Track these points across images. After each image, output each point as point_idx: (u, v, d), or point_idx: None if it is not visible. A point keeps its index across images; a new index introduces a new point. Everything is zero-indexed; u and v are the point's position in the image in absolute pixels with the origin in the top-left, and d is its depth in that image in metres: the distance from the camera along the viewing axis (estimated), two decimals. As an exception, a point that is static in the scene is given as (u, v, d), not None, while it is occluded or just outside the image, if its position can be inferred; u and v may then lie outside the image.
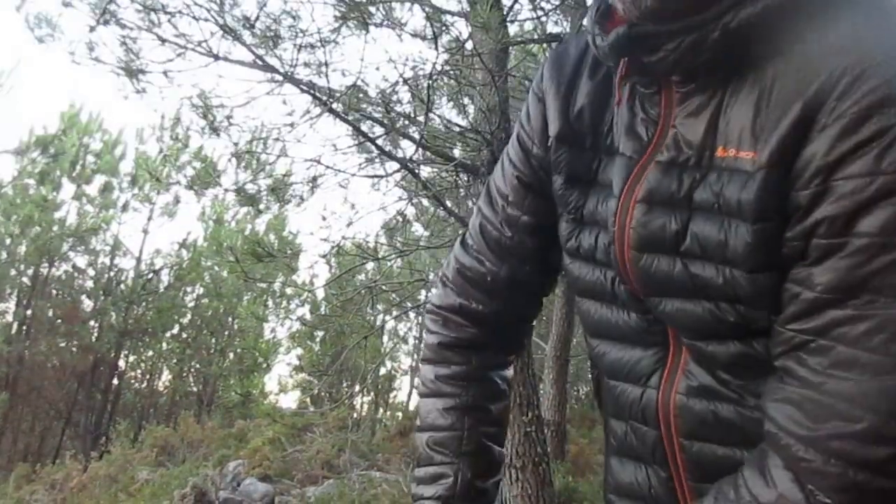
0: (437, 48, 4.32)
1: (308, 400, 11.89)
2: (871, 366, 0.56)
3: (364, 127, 4.45)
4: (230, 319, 16.17)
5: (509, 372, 1.05)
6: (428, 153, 4.78)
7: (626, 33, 0.68)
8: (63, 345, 14.11)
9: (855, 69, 0.56)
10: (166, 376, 16.57)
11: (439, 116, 5.11)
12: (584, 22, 0.77)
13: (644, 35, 0.67)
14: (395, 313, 7.96)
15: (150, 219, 14.77)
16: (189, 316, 16.02)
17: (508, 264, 0.94)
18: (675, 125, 0.70)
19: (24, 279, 14.14)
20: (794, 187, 0.59)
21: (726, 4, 0.63)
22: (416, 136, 4.51)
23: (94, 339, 14.05)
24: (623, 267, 0.75)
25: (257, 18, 3.81)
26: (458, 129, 5.02)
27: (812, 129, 0.58)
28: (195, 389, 16.30)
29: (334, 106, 3.94)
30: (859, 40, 0.59)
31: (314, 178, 4.67)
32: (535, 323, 1.15)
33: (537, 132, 0.88)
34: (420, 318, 13.73)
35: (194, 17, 3.76)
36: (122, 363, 15.39)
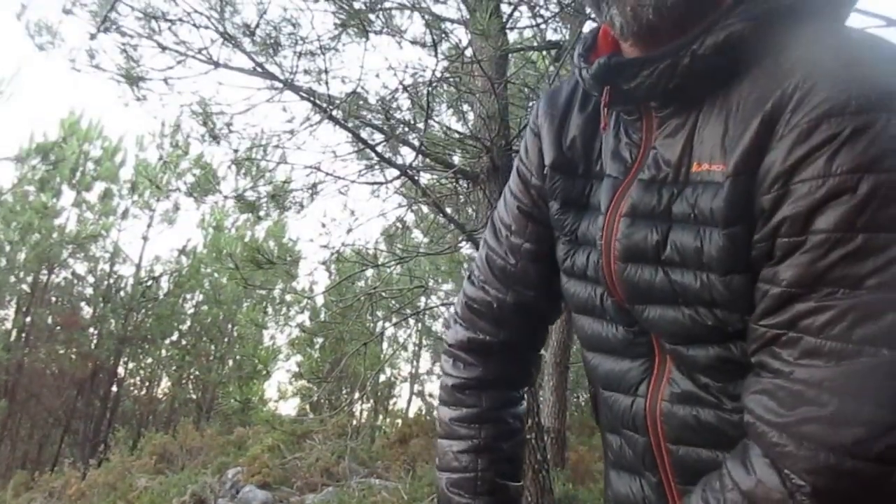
0: (436, 55, 4.33)
1: (307, 407, 11.86)
2: (835, 353, 0.59)
3: (364, 134, 4.46)
4: (229, 326, 16.15)
5: (522, 407, 1.09)
6: (427, 160, 4.79)
7: (606, 62, 0.76)
8: (62, 352, 14.09)
9: (806, 84, 0.63)
10: (165, 383, 16.56)
11: (439, 123, 5.13)
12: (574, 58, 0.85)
13: (622, 64, 0.75)
14: (394, 320, 7.95)
15: (149, 226, 14.80)
16: (188, 323, 16.00)
17: (513, 291, 1.01)
18: (655, 146, 0.77)
19: (24, 286, 14.13)
20: (759, 193, 0.64)
21: (695, 33, 0.70)
22: (416, 142, 4.52)
23: (93, 346, 14.02)
24: (609, 279, 0.81)
25: (257, 26, 3.82)
26: (457, 135, 5.03)
27: (771, 140, 0.64)
28: (194, 396, 16.27)
29: (334, 113, 3.94)
30: (810, 59, 0.65)
31: (314, 185, 4.68)
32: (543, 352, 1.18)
33: (534, 164, 0.96)
34: (420, 324, 13.73)
35: (195, 25, 3.77)
36: (121, 370, 15.37)
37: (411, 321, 13.28)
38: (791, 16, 0.68)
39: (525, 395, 1.12)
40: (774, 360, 0.64)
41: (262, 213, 4.71)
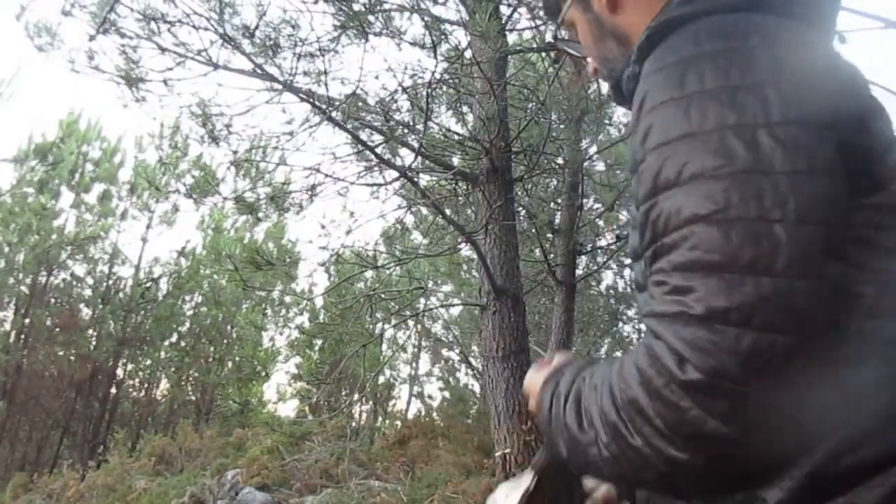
0: (436, 57, 4.33)
1: (307, 408, 11.85)
2: (677, 242, 0.74)
3: (363, 135, 4.47)
4: (229, 328, 16.15)
5: None
6: (427, 161, 4.79)
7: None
8: (61, 353, 14.07)
9: (644, 91, 0.84)
10: (164, 385, 16.54)
11: (438, 125, 5.13)
12: None
13: (614, 81, 1.07)
14: (394, 321, 7.95)
15: (148, 227, 14.79)
16: (187, 324, 15.99)
17: None
18: None
19: (23, 288, 14.12)
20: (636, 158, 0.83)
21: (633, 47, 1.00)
22: (415, 144, 4.52)
23: (92, 347, 14.01)
24: None
25: (257, 27, 3.83)
26: (456, 137, 5.03)
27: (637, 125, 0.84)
28: (193, 398, 16.25)
29: (333, 114, 3.95)
30: (656, 71, 0.83)
31: (313, 187, 4.68)
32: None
33: None
34: (419, 325, 13.72)
35: (194, 27, 3.77)
36: (120, 372, 15.35)
37: (411, 322, 13.27)
38: (674, 26, 0.87)
39: None
40: (653, 272, 0.77)
41: (261, 215, 4.71)
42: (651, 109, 0.79)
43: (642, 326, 0.98)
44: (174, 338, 15.83)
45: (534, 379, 0.98)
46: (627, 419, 0.73)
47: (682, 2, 0.88)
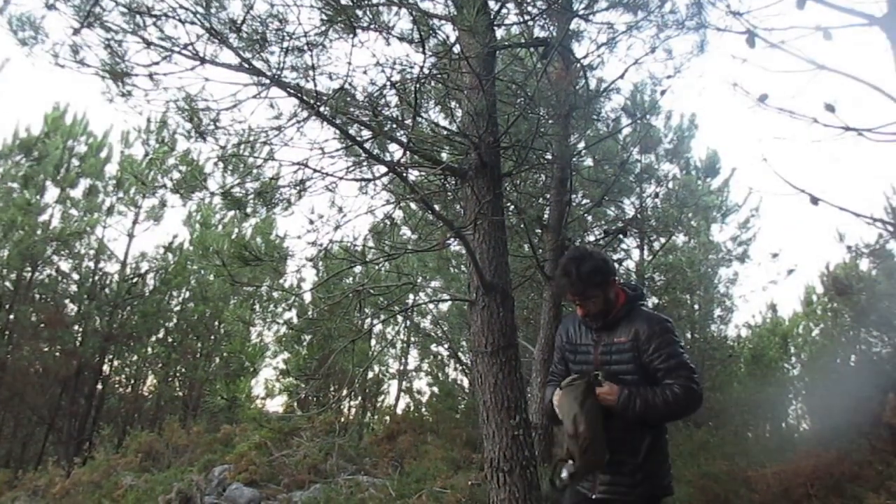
0: (424, 52, 4.32)
1: (295, 404, 11.84)
2: (672, 367, 2.88)
3: (352, 130, 4.45)
4: (216, 323, 16.08)
5: None
6: (415, 157, 4.79)
7: None
8: (46, 350, 13.95)
9: (647, 321, 2.97)
10: (151, 381, 16.45)
11: (427, 120, 5.12)
12: None
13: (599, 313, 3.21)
14: (382, 317, 7.95)
15: (135, 222, 14.68)
16: (175, 320, 15.91)
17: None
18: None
19: (7, 284, 13.98)
20: (641, 344, 2.92)
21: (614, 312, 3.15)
22: (404, 139, 4.51)
23: (77, 343, 13.91)
24: None
25: (244, 21, 3.80)
26: (445, 132, 5.03)
27: (639, 335, 2.94)
28: (180, 394, 16.18)
29: (322, 109, 3.93)
30: (643, 315, 3.02)
31: (301, 182, 4.67)
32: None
33: None
34: (408, 321, 13.73)
35: (180, 20, 3.74)
36: (106, 368, 15.25)
37: (399, 318, 13.28)
38: (636, 302, 2.98)
39: None
40: (666, 378, 2.82)
41: (249, 210, 4.70)
42: (663, 332, 2.85)
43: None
44: (161, 334, 15.75)
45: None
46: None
47: (632, 298, 2.98)
